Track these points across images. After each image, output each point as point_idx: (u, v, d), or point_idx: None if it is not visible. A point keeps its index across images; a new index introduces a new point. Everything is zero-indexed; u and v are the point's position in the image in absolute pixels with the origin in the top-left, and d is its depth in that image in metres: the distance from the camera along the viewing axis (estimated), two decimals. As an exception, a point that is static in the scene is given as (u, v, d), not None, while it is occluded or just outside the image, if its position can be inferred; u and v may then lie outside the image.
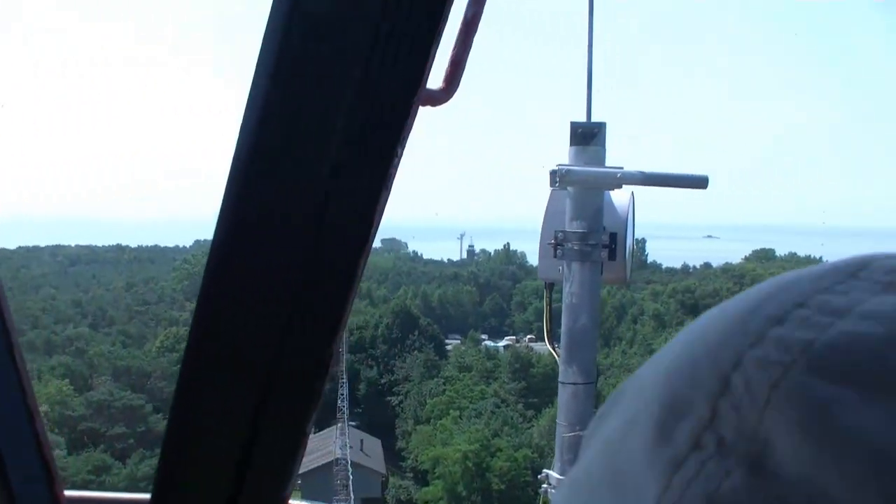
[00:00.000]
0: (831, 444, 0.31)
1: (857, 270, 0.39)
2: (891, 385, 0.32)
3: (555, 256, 3.42)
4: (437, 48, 1.02)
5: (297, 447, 1.17)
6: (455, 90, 1.17)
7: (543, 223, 3.56)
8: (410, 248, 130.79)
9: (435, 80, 1.15)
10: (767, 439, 0.32)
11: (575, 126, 3.46)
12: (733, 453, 0.32)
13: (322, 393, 1.12)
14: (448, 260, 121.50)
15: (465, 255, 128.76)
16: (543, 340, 3.79)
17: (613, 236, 3.45)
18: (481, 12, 1.11)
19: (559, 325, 3.64)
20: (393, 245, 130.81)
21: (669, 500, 0.31)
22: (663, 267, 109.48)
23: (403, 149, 1.01)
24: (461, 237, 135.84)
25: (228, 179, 1.02)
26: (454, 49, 1.16)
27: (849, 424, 0.31)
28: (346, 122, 0.97)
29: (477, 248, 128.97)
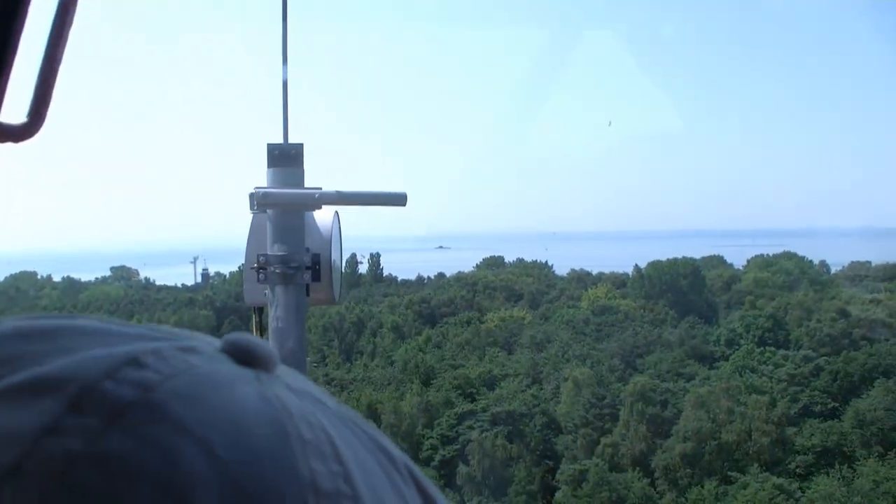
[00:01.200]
0: None
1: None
2: None
3: (258, 281, 3.32)
4: (6, 80, 0.94)
5: None
6: (41, 124, 1.07)
7: (247, 247, 3.46)
8: (142, 275, 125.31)
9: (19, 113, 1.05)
10: None
11: (272, 147, 3.39)
12: None
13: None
14: (182, 285, 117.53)
15: (199, 280, 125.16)
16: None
17: (317, 257, 3.40)
18: (65, 39, 1.02)
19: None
20: (123, 273, 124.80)
21: None
22: (399, 279, 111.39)
23: None
24: (195, 261, 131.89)
25: None
26: (37, 80, 1.06)
27: None
28: None
29: (212, 272, 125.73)
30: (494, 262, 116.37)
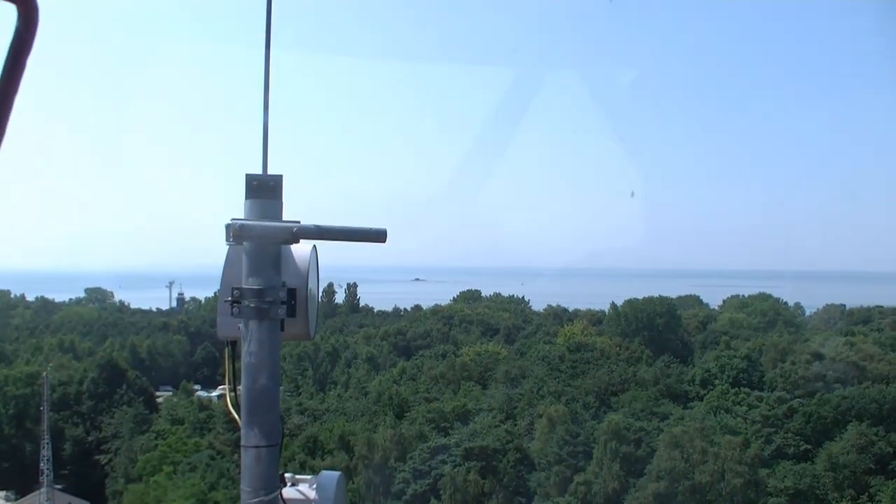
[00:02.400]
0: None
1: None
2: None
3: (232, 314, 3.24)
4: None
5: None
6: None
7: (221, 280, 3.37)
8: (117, 298, 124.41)
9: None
10: None
11: (250, 178, 3.33)
12: None
13: None
14: (157, 309, 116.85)
15: (174, 304, 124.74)
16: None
17: (293, 292, 3.33)
18: (17, 83, 1.01)
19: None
20: (97, 295, 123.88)
21: None
22: (375, 310, 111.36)
23: None
24: (170, 285, 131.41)
25: None
26: None
27: None
28: None
29: (187, 296, 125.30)
30: (471, 296, 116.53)
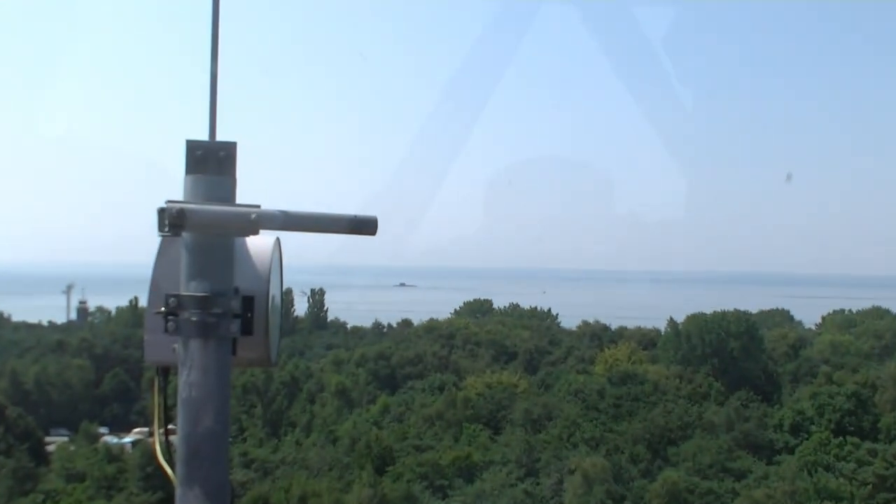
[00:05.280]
0: None
1: None
2: None
3: (166, 331, 3.23)
4: None
5: None
6: None
7: (151, 284, 3.36)
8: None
9: None
10: None
11: (192, 146, 3.29)
12: None
13: None
14: (50, 322, 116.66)
15: (74, 315, 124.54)
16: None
17: (249, 301, 3.32)
18: None
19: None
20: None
21: None
22: (349, 326, 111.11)
23: None
24: (68, 290, 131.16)
25: None
26: None
27: None
28: None
29: (92, 305, 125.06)
30: (479, 308, 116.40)
